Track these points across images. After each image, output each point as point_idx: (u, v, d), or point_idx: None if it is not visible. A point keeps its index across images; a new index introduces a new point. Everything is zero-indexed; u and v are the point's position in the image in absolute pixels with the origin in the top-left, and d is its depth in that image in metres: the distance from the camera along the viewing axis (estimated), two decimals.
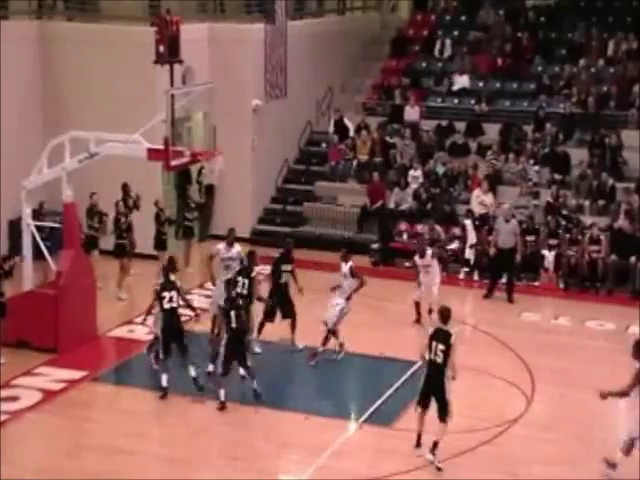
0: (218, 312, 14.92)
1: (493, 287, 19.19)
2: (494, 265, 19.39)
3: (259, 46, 22.34)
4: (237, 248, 15.91)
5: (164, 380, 14.08)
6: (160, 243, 19.29)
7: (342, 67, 26.10)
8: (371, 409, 13.87)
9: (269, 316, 15.82)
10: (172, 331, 14.09)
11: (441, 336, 11.94)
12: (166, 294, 14.11)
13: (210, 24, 22.58)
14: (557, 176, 22.04)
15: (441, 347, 11.84)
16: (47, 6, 22.70)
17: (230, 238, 15.95)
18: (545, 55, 25.02)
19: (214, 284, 15.64)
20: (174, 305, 14.15)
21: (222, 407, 13.68)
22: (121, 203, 18.77)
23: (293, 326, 15.96)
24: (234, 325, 13.75)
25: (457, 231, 20.95)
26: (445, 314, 12.19)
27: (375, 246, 21.41)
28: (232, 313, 13.80)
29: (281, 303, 15.85)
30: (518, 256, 19.00)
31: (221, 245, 15.93)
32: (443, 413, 11.97)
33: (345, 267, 15.62)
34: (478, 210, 21.16)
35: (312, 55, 24.40)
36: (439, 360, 11.87)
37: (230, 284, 14.48)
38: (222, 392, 13.69)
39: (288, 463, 12.79)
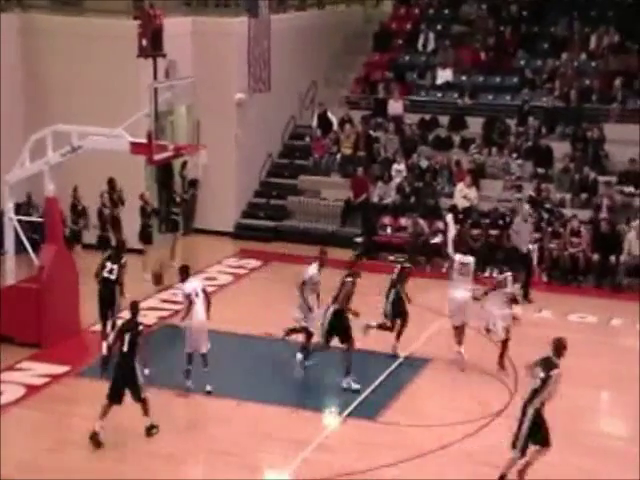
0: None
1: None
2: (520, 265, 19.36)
3: (242, 40, 22.26)
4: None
5: None
6: (145, 236, 19.27)
7: (326, 61, 26.09)
8: (355, 402, 13.92)
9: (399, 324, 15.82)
10: None
11: (545, 364, 11.61)
12: None
13: (193, 17, 22.54)
14: (540, 170, 22.14)
15: (542, 375, 11.56)
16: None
17: (322, 261, 15.02)
18: (528, 49, 25.10)
19: (311, 310, 14.88)
20: None
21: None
22: (106, 195, 18.70)
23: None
24: (125, 349, 12.57)
25: (441, 225, 20.99)
26: (558, 345, 11.69)
27: (359, 240, 21.43)
28: (126, 336, 12.60)
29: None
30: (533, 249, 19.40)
31: (314, 270, 14.94)
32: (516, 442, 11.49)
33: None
34: (461, 204, 21.22)
35: (295, 49, 24.35)
36: (535, 386, 11.61)
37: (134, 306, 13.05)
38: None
39: (273, 457, 12.78)
